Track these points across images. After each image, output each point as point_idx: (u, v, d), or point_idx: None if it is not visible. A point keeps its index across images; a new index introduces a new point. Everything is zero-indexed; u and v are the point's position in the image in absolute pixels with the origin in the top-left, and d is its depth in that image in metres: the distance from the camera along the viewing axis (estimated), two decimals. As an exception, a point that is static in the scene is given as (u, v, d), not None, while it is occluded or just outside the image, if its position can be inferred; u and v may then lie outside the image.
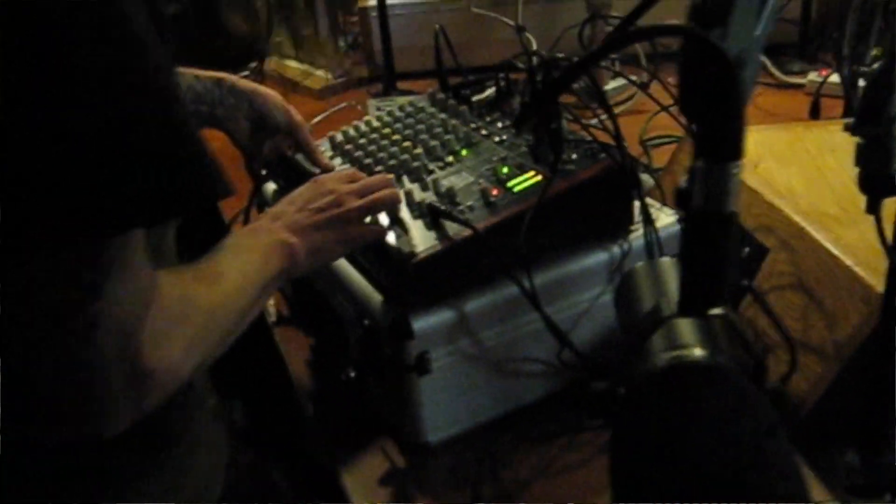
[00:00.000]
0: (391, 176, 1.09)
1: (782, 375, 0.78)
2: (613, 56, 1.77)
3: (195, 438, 0.87)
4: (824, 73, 1.84)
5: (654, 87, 1.51)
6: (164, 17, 0.70)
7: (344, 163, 1.21)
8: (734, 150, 0.55)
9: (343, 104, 1.95)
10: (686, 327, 0.60)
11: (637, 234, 1.08)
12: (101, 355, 0.61)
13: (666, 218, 1.11)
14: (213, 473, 0.91)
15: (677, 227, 1.09)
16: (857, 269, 0.94)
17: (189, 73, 1.13)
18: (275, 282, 0.88)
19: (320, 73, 2.29)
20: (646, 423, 0.55)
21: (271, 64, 2.39)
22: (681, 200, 0.58)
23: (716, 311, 0.58)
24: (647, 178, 1.27)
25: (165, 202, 0.63)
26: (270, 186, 1.29)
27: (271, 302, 1.37)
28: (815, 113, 1.74)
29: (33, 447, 0.70)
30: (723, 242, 0.57)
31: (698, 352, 0.57)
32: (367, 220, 1.00)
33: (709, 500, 0.51)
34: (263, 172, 1.24)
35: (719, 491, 0.51)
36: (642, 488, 0.55)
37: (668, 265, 0.71)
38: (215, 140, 1.22)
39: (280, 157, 1.20)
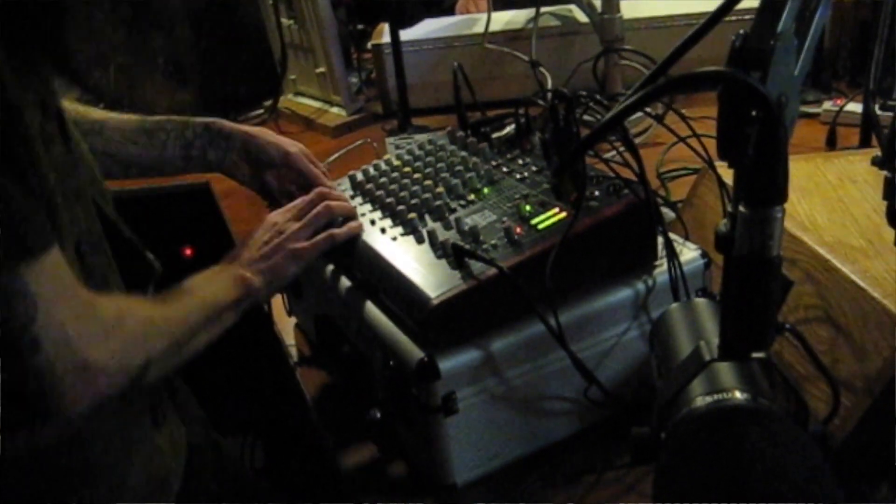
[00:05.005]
0: (327, 188, 1.16)
1: (824, 418, 0.77)
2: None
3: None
4: (839, 101, 1.84)
5: (670, 118, 1.50)
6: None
7: (364, 202, 1.21)
8: (777, 194, 0.55)
9: (359, 142, 1.95)
10: (727, 371, 0.59)
11: (661, 270, 1.08)
12: (48, 360, 0.74)
13: (689, 253, 1.10)
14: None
15: (701, 262, 1.09)
16: (885, 301, 0.93)
17: (179, 121, 1.19)
18: (232, 308, 1.00)
19: (335, 110, 2.30)
20: (690, 468, 0.54)
21: (285, 102, 2.40)
22: (721, 245, 0.57)
23: (758, 354, 0.58)
24: (667, 212, 1.27)
25: None
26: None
27: (292, 342, 1.37)
28: (831, 142, 1.74)
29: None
30: (766, 287, 0.56)
31: (739, 395, 0.57)
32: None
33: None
34: None
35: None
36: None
37: (704, 306, 0.70)
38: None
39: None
